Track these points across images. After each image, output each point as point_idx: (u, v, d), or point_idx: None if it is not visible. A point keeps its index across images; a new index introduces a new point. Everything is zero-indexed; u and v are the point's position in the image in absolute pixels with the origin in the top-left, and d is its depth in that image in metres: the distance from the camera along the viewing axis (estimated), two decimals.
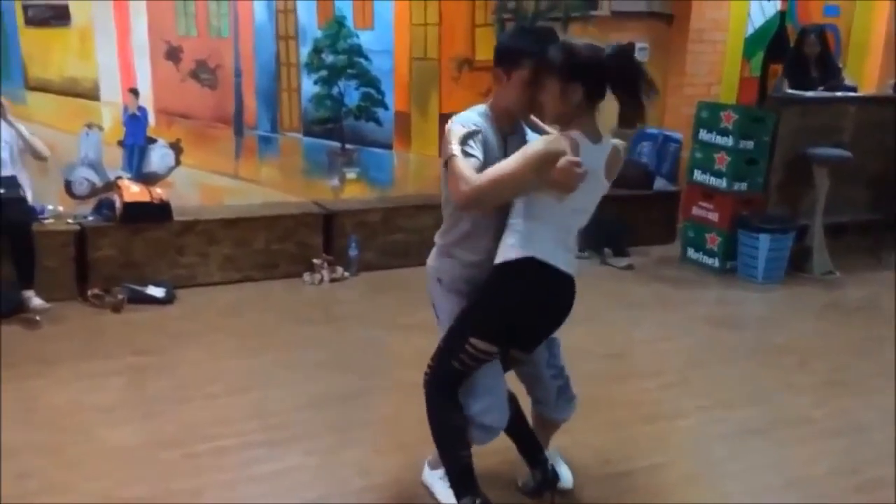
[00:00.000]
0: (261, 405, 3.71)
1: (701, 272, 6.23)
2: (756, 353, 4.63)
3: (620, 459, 3.37)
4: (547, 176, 2.37)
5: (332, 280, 5.61)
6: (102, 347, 4.38)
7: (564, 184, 2.38)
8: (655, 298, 5.60)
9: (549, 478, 2.90)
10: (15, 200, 4.70)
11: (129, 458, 3.22)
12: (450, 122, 2.64)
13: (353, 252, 5.71)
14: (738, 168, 6.09)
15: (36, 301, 4.66)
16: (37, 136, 4.97)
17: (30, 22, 5.11)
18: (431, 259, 2.85)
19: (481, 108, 2.68)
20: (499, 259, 2.55)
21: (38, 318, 4.64)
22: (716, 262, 6.22)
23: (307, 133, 6.04)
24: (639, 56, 6.96)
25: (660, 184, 7.02)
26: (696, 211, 6.43)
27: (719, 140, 6.16)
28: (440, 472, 2.89)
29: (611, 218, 6.58)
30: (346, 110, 6.08)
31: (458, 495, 2.68)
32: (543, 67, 2.46)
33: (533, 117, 2.71)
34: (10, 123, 4.81)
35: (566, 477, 3.09)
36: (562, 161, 2.33)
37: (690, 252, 6.48)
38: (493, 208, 2.54)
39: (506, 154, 2.53)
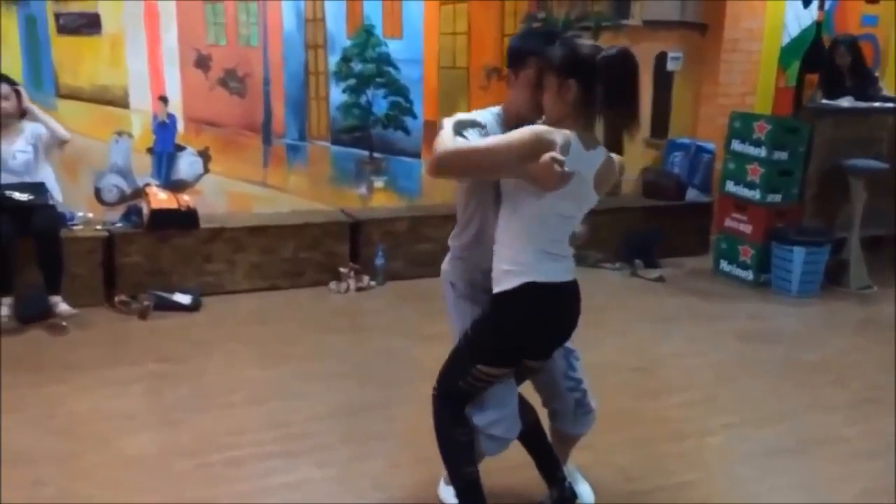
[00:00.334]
0: (279, 415, 3.69)
1: (734, 285, 6.11)
2: (788, 369, 4.50)
3: (643, 477, 3.28)
4: (530, 167, 2.27)
5: (359, 289, 5.59)
6: (127, 354, 4.39)
7: (544, 180, 2.29)
8: (686, 311, 5.50)
9: (566, 496, 2.83)
10: (43, 206, 4.74)
11: (145, 467, 3.20)
12: None
13: (379, 261, 5.68)
14: (772, 179, 5.97)
15: (63, 306, 4.69)
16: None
17: (61, 30, 5.16)
18: (445, 263, 2.82)
19: (495, 109, 2.64)
20: (496, 288, 2.48)
21: (64, 323, 4.67)
22: (749, 275, 6.10)
23: (335, 141, 6.03)
24: (672, 66, 6.92)
25: (692, 195, 6.92)
26: (728, 223, 6.32)
27: (752, 151, 6.05)
28: None
29: (642, 229, 6.52)
30: (374, 119, 6.05)
31: None
32: (544, 65, 2.41)
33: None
34: (30, 111, 4.82)
35: (586, 495, 3.02)
36: (545, 156, 2.24)
37: (723, 264, 6.36)
38: (462, 178, 2.51)
39: None
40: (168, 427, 3.54)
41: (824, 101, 6.38)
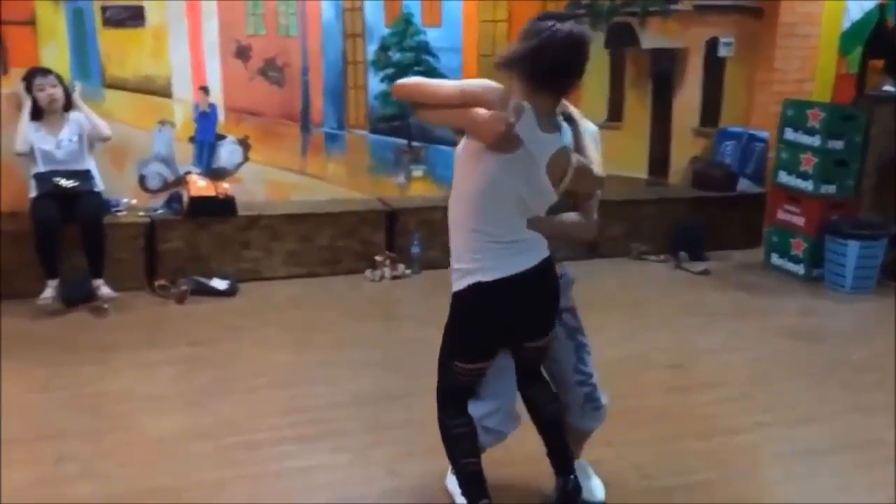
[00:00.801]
0: (300, 401, 3.70)
1: (784, 279, 5.92)
2: (831, 368, 4.31)
3: (663, 475, 3.18)
4: (473, 112, 2.23)
5: (394, 277, 5.60)
6: (161, 337, 4.47)
7: (484, 129, 2.24)
8: (730, 306, 5.33)
9: (568, 489, 2.76)
10: (88, 193, 4.87)
11: (164, 447, 3.26)
12: None
13: (415, 250, 5.67)
14: (826, 170, 5.75)
15: (104, 290, 4.81)
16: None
17: (107, 23, 5.29)
18: None
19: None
20: (452, 287, 2.49)
21: (106, 306, 4.80)
22: (801, 270, 5.90)
23: (373, 130, 6.02)
24: (724, 51, 6.70)
25: (744, 185, 6.72)
26: (781, 215, 6.12)
27: (806, 139, 5.84)
28: None
29: (689, 220, 6.35)
30: (410, 108, 6.01)
31: (468, 501, 2.64)
32: None
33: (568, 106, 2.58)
34: (76, 104, 4.95)
35: (596, 491, 2.95)
36: (493, 112, 2.21)
37: (774, 258, 6.17)
38: (415, 106, 2.50)
39: None
40: (191, 409, 3.60)
41: (886, 87, 6.11)
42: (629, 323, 4.92)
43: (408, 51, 5.89)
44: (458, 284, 2.45)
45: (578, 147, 2.49)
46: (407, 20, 5.85)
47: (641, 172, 6.84)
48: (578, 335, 2.77)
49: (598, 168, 2.50)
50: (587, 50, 2.32)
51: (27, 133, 4.80)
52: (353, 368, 4.11)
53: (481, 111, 2.23)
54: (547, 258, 2.48)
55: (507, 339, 2.56)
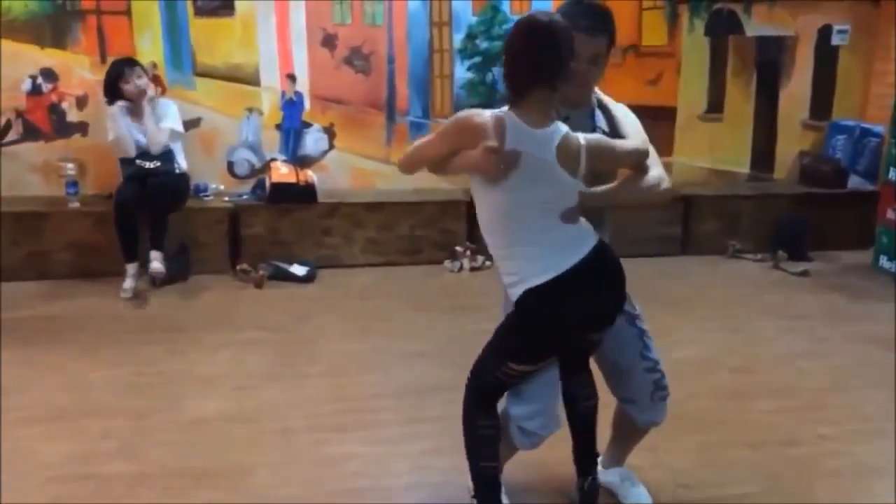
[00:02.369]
0: (346, 390, 3.75)
1: (889, 284, 5.52)
2: None
3: (702, 485, 3.02)
4: (467, 159, 2.21)
5: (473, 269, 5.59)
6: (230, 320, 4.63)
7: (483, 169, 2.20)
8: (822, 310, 5.01)
9: (586, 490, 2.66)
10: (167, 173, 5.04)
11: (203, 430, 3.34)
12: None
13: None
14: None
15: (156, 264, 4.94)
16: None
17: (199, 13, 5.53)
18: None
19: None
20: (511, 296, 2.36)
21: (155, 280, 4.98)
22: None
23: None
24: (837, 40, 6.27)
25: (855, 182, 6.29)
26: (891, 214, 5.70)
27: None
28: None
29: (790, 218, 6.01)
30: (499, 97, 5.94)
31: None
32: None
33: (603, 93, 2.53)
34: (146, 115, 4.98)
35: (642, 497, 2.86)
36: (479, 147, 2.16)
37: (883, 260, 5.76)
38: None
39: None
40: (238, 393, 3.69)
41: None
42: (702, 324, 4.72)
43: (496, 39, 5.82)
44: (514, 292, 2.35)
45: (616, 131, 2.44)
46: (495, 8, 5.79)
47: (744, 167, 6.52)
48: (639, 322, 2.66)
49: (638, 141, 2.45)
50: (553, 35, 2.19)
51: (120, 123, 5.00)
52: (406, 359, 4.13)
53: (470, 153, 2.20)
54: (599, 244, 2.37)
55: (572, 336, 2.45)
